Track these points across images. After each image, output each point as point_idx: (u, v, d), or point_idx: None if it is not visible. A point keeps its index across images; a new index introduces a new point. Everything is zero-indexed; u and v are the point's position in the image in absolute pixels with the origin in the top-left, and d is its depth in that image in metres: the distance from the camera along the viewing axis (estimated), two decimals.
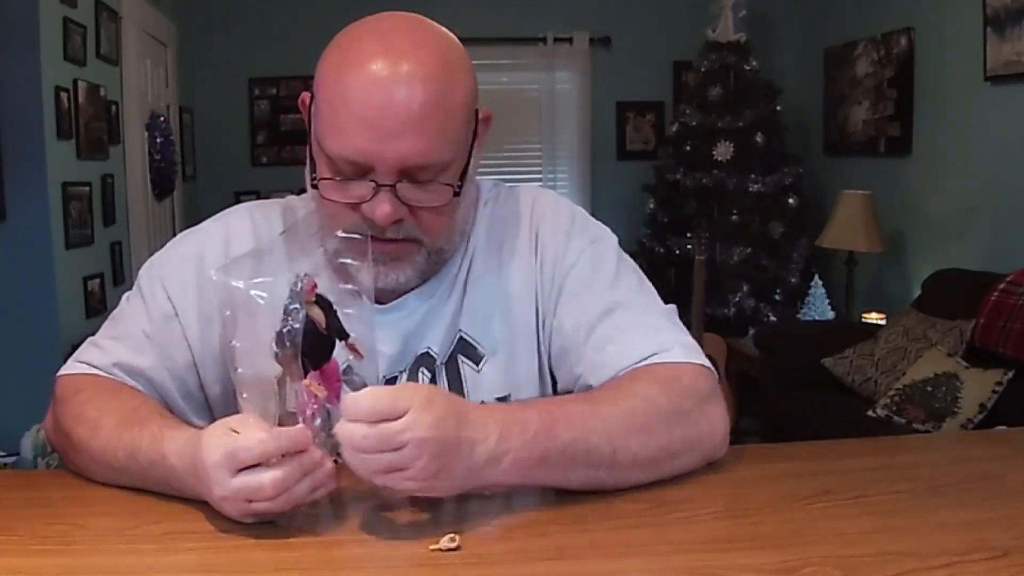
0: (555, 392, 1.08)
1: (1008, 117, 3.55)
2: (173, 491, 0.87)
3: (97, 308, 3.44)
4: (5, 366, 3.05)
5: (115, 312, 1.08)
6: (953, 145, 3.95)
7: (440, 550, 0.77)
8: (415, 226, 0.95)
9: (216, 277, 0.91)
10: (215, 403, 1.06)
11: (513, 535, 0.82)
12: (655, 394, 0.94)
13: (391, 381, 1.03)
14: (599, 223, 1.13)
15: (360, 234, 0.92)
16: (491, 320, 1.05)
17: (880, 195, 4.26)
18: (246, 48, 5.20)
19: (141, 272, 1.09)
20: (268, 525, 0.83)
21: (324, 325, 0.82)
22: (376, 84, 0.89)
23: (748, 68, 4.74)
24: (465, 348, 1.05)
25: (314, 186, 0.96)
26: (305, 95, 1.00)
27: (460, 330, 1.05)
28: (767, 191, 4.63)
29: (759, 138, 4.66)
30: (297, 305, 0.80)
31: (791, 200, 4.70)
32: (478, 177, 1.09)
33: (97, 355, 1.04)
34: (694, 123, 4.79)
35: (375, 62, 0.90)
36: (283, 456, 0.79)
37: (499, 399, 1.04)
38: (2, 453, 2.91)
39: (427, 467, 0.79)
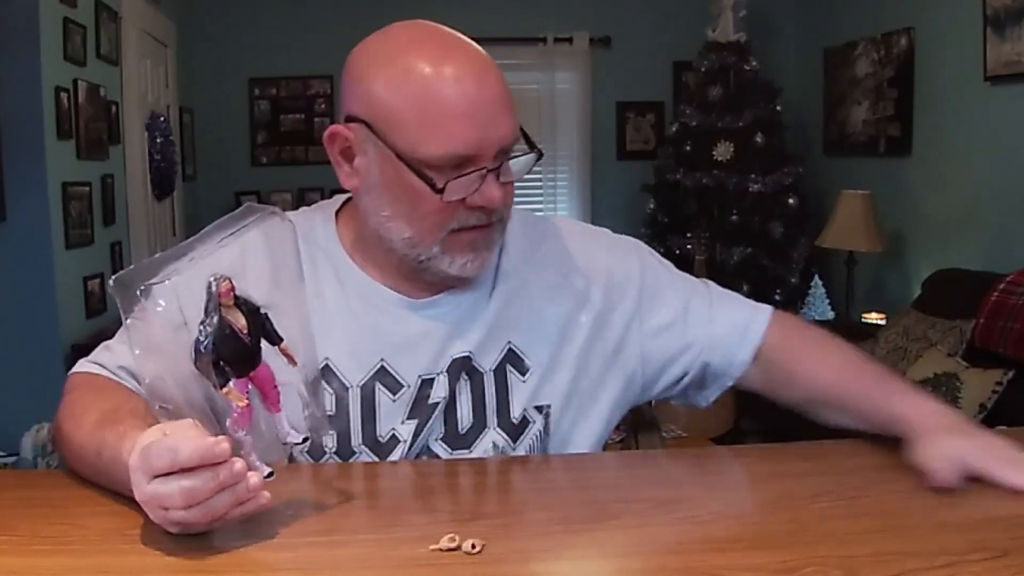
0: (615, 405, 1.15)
1: (1008, 117, 3.55)
2: (129, 492, 0.83)
3: (97, 308, 3.44)
4: (5, 366, 3.05)
5: (128, 322, 1.08)
6: (953, 145, 3.95)
7: (440, 550, 0.77)
8: (505, 206, 1.01)
9: (113, 286, 0.80)
10: (222, 415, 1.05)
11: (513, 535, 0.82)
12: (825, 342, 1.18)
13: (428, 382, 1.05)
14: (629, 239, 1.23)
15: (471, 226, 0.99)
16: (539, 335, 1.09)
17: (880, 195, 4.26)
18: (246, 48, 5.20)
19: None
20: (267, 526, 0.83)
21: (245, 329, 0.77)
22: (462, 80, 0.94)
23: (748, 68, 4.74)
24: (514, 359, 1.08)
25: (437, 190, 0.97)
26: (336, 129, 1.01)
27: (510, 342, 1.08)
28: (767, 191, 4.64)
29: (759, 138, 4.66)
30: (212, 310, 0.76)
31: (791, 200, 4.70)
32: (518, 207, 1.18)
33: (107, 356, 1.07)
34: (694, 123, 4.79)
35: (446, 63, 0.94)
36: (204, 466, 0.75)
37: (537, 408, 1.08)
38: (2, 453, 2.92)
39: None
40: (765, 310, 1.19)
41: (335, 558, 0.78)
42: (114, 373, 1.04)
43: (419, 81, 0.94)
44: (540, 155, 1.02)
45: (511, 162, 0.99)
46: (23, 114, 2.98)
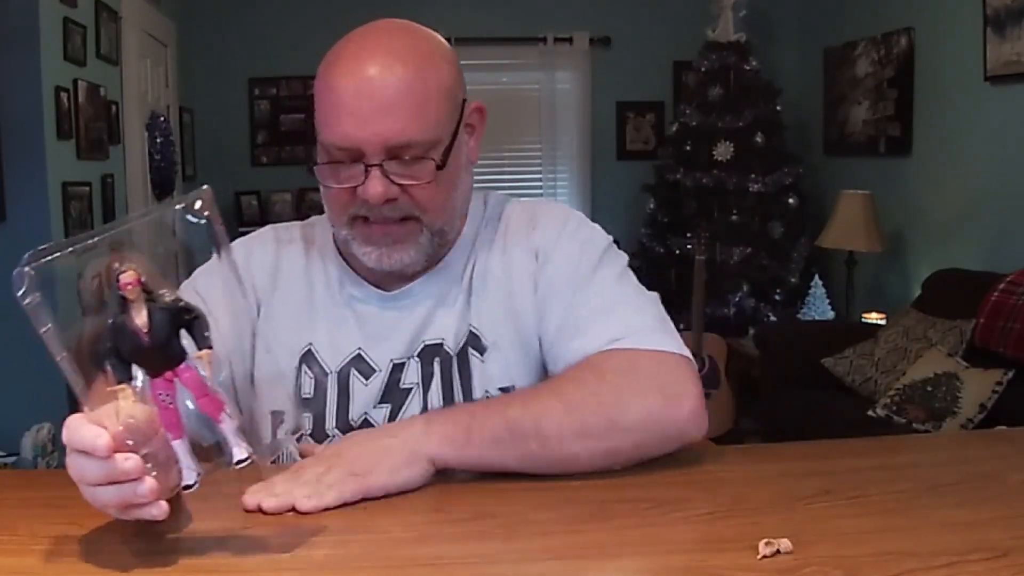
0: None
1: (1008, 117, 3.55)
2: None
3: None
4: (5, 366, 3.04)
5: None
6: (953, 145, 3.95)
7: (766, 556, 0.75)
8: (410, 203, 1.03)
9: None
10: (242, 396, 1.07)
11: (513, 535, 0.82)
12: (582, 373, 0.99)
13: (399, 366, 1.09)
14: (595, 226, 1.17)
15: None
16: (496, 314, 1.10)
17: (880, 195, 4.26)
18: (246, 48, 5.20)
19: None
20: (267, 525, 0.83)
21: (145, 327, 0.71)
22: (354, 74, 0.99)
23: (748, 68, 4.74)
24: (473, 340, 1.10)
25: (311, 171, 1.06)
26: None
27: (470, 324, 1.10)
28: (767, 191, 4.64)
29: (759, 138, 4.66)
30: (112, 300, 0.71)
31: (791, 200, 4.70)
32: (492, 191, 1.20)
33: None
34: (694, 123, 4.79)
35: (354, 56, 1.00)
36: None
37: (501, 389, 1.08)
38: (2, 453, 2.91)
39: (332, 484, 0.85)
40: (625, 339, 1.02)
41: (335, 558, 0.78)
42: None
43: (327, 72, 1.01)
44: (439, 167, 1.01)
45: (406, 166, 1.00)
46: (23, 114, 2.98)
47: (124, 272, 0.71)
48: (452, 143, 1.03)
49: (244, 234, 1.21)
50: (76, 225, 3.28)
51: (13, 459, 2.90)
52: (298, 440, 1.08)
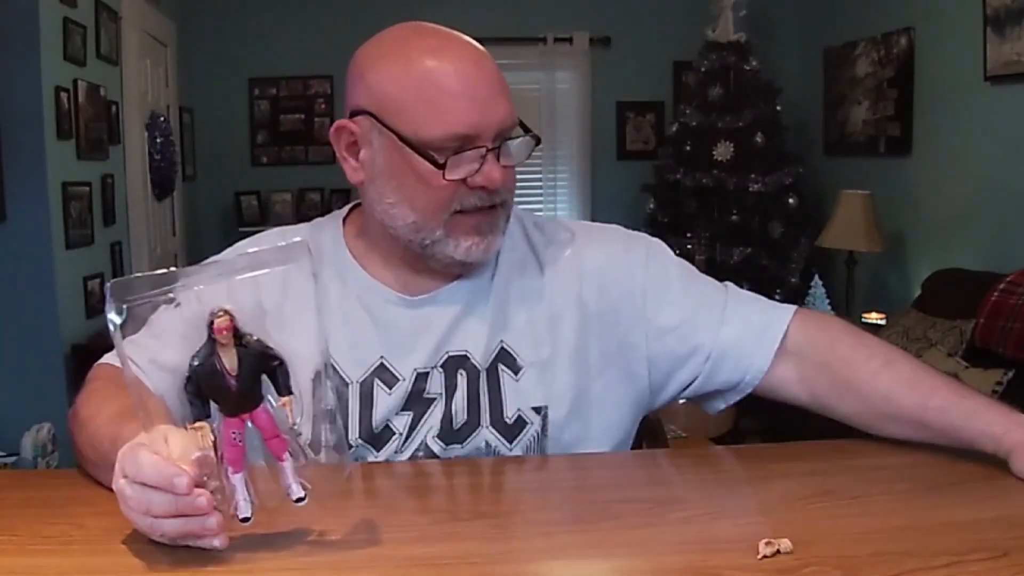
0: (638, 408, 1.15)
1: (1008, 117, 3.55)
2: None
3: (97, 308, 3.44)
4: (5, 366, 3.05)
5: (152, 318, 1.12)
6: (953, 145, 3.95)
7: (766, 556, 0.76)
8: (505, 189, 1.04)
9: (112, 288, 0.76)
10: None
11: (513, 535, 0.82)
12: (874, 344, 1.10)
13: (423, 376, 1.07)
14: (645, 236, 1.20)
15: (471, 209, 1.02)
16: (534, 335, 1.09)
17: (880, 195, 4.26)
18: (246, 48, 5.20)
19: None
20: (266, 526, 0.83)
21: (233, 371, 0.74)
22: (462, 65, 1.00)
23: (748, 68, 4.73)
24: (506, 358, 1.08)
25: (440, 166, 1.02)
26: (343, 122, 1.06)
27: (502, 341, 1.09)
28: (767, 191, 4.64)
29: (759, 138, 4.66)
30: (206, 342, 0.74)
31: (791, 200, 4.70)
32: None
33: (133, 350, 1.07)
34: (694, 123, 4.79)
35: (447, 51, 1.00)
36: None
37: (534, 409, 1.07)
38: (2, 453, 2.91)
39: None
40: (787, 309, 1.12)
41: (335, 558, 0.78)
42: (140, 366, 1.05)
43: (419, 67, 0.99)
44: (538, 140, 1.05)
45: (511, 144, 1.02)
46: (23, 114, 2.98)
47: (220, 317, 0.73)
48: None
49: (244, 235, 1.20)
50: (76, 225, 3.28)
51: (13, 459, 2.90)
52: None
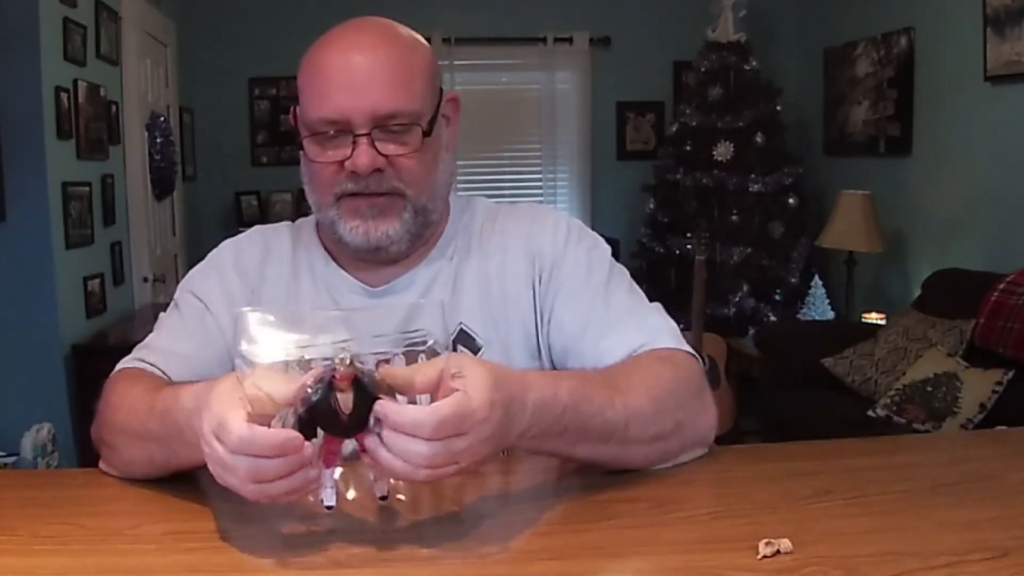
0: None
1: (1008, 117, 3.55)
2: (187, 443, 0.84)
3: (97, 308, 3.44)
4: (5, 366, 3.04)
5: (155, 325, 1.18)
6: (953, 145, 3.95)
7: (766, 556, 0.76)
8: (395, 177, 1.05)
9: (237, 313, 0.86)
10: None
11: (513, 535, 0.82)
12: (661, 370, 1.01)
13: (386, 363, 1.06)
14: (595, 234, 1.21)
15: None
16: (489, 317, 1.12)
17: (880, 195, 4.26)
18: (246, 48, 5.20)
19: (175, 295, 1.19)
20: (266, 526, 0.83)
21: (347, 412, 0.76)
22: (348, 53, 1.03)
23: (748, 68, 4.73)
24: (464, 339, 1.11)
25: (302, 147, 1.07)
26: (294, 108, 1.11)
27: (461, 323, 1.11)
28: (767, 191, 4.64)
29: (759, 138, 4.66)
30: (323, 383, 0.76)
31: (791, 200, 4.70)
32: (478, 196, 1.25)
33: (144, 351, 1.11)
34: (694, 123, 4.79)
35: (341, 41, 1.05)
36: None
37: None
38: (2, 453, 2.91)
39: (477, 461, 0.80)
40: (653, 341, 1.07)
41: (335, 558, 0.78)
42: (153, 365, 1.07)
43: (314, 56, 1.05)
44: (426, 132, 1.05)
45: (393, 137, 1.03)
46: (23, 114, 2.98)
47: (346, 366, 0.76)
48: (434, 118, 1.07)
49: None
50: (76, 225, 3.28)
51: (13, 459, 2.90)
52: None
